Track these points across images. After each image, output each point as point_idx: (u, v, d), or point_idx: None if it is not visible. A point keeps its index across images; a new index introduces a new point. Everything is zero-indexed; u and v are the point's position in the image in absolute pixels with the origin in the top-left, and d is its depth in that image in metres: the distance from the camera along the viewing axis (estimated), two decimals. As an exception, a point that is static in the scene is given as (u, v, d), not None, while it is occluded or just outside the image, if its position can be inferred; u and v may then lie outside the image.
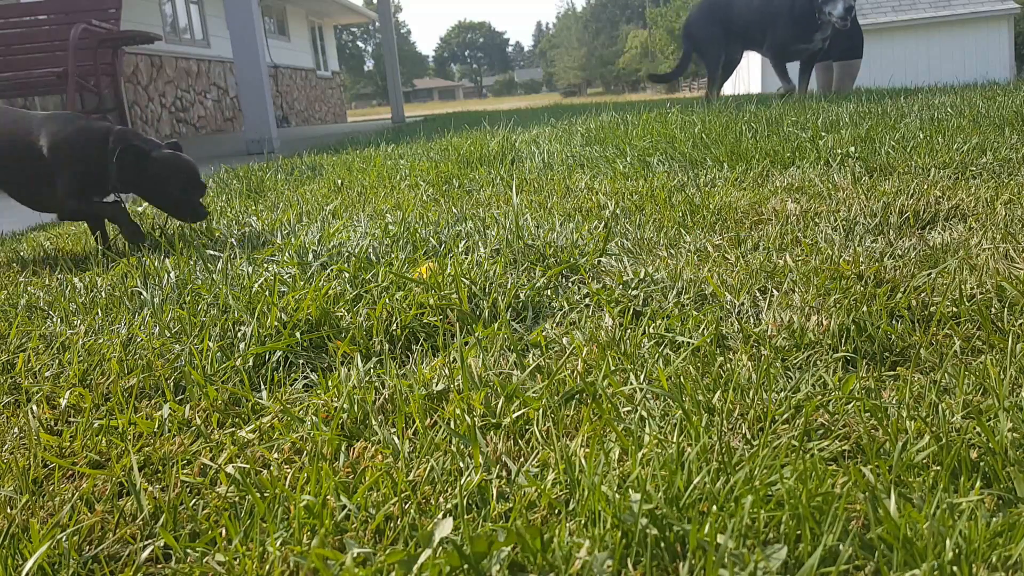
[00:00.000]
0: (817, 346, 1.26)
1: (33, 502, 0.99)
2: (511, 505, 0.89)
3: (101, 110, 5.80)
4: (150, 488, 1.00)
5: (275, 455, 1.06)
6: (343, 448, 1.05)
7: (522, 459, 1.00)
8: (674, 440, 0.97)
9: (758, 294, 1.52)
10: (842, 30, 6.95)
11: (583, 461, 0.94)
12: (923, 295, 1.42)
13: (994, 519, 0.79)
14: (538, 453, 1.01)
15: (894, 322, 1.32)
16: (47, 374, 1.39)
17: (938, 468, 0.89)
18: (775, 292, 1.52)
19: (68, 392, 1.29)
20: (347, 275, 1.73)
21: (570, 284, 1.70)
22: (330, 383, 1.25)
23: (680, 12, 47.10)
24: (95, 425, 1.18)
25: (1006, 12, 18.59)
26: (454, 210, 2.59)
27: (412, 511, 0.89)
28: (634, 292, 1.56)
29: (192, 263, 1.98)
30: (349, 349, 1.38)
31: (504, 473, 0.97)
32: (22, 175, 2.45)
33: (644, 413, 1.07)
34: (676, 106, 6.16)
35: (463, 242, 2.04)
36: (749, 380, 1.14)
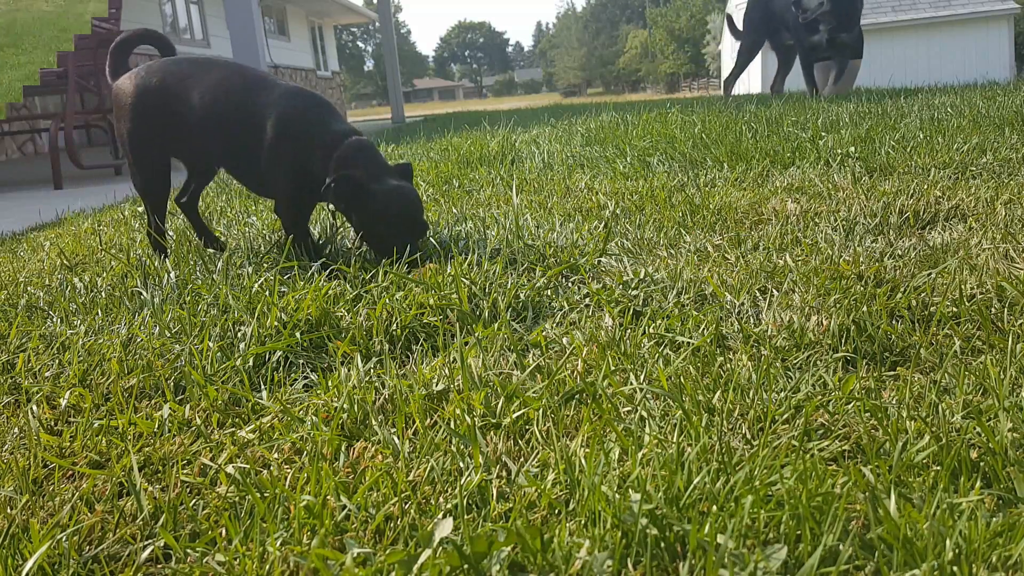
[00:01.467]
0: (817, 346, 1.26)
1: (33, 502, 0.99)
2: (511, 505, 0.89)
3: (101, 110, 5.81)
4: (150, 488, 1.00)
5: (275, 455, 1.06)
6: (343, 448, 1.05)
7: (522, 459, 1.00)
8: (674, 440, 0.97)
9: (758, 294, 1.52)
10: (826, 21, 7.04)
11: (583, 461, 0.94)
12: (923, 295, 1.42)
13: (994, 519, 0.79)
14: (538, 453, 1.01)
15: (894, 322, 1.32)
16: (47, 374, 1.39)
17: (938, 468, 0.89)
18: (775, 292, 1.52)
19: (68, 392, 1.29)
20: (347, 275, 1.73)
21: (570, 284, 1.70)
22: (330, 383, 1.25)
23: (680, 12, 47.10)
24: (95, 425, 1.18)
25: (1006, 12, 18.59)
26: (454, 210, 2.59)
27: (412, 511, 0.89)
28: (634, 292, 1.56)
29: (192, 263, 1.98)
30: (349, 349, 1.38)
31: (504, 473, 0.97)
32: (245, 154, 2.05)
33: (644, 413, 1.07)
34: (676, 106, 6.16)
35: (463, 242, 2.04)
36: (749, 380, 1.14)
